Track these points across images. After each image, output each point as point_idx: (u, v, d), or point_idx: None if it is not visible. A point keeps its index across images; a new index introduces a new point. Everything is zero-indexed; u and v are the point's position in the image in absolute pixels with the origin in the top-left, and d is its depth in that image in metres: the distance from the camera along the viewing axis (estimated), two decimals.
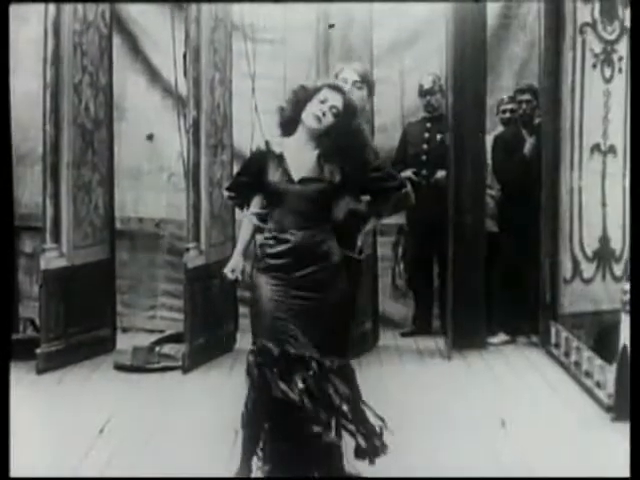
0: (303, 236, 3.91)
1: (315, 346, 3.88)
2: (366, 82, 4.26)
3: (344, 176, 3.92)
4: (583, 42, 6.13)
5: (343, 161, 3.92)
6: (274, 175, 3.93)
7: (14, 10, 4.73)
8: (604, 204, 6.06)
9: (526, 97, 6.78)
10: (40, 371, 5.94)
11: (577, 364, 5.79)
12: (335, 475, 3.99)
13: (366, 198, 4.06)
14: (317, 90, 3.92)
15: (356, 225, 4.06)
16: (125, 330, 6.90)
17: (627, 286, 4.55)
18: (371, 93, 4.33)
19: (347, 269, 3.98)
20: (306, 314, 3.90)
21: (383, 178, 4.04)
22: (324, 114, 3.88)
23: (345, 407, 3.92)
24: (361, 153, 3.98)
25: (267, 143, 4.01)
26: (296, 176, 3.91)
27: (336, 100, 3.90)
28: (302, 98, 3.92)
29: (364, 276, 5.51)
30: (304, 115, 3.91)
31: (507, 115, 6.89)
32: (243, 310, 6.33)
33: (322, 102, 3.89)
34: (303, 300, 3.90)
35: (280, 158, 3.94)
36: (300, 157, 3.93)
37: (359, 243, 4.11)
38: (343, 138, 3.90)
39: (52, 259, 6.14)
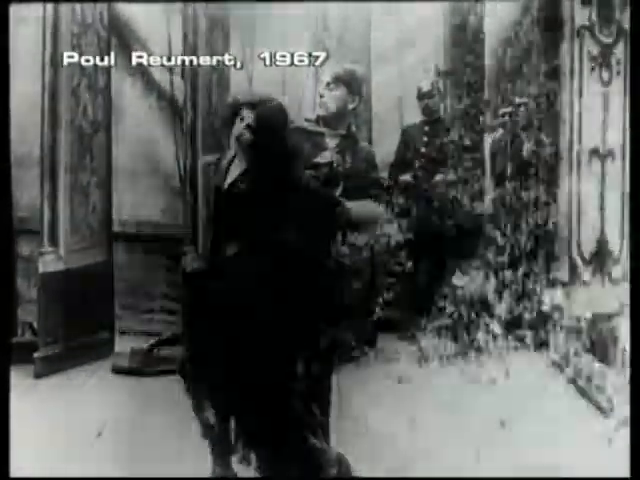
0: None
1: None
2: (344, 82, 4.21)
3: (264, 187, 3.97)
4: (580, 45, 6.12)
5: (264, 173, 3.98)
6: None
7: (12, 12, 4.73)
8: (602, 208, 6.06)
9: (524, 100, 6.78)
10: (38, 375, 5.91)
11: (576, 367, 5.79)
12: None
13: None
14: (241, 106, 3.98)
15: (323, 235, 4.09)
16: (124, 333, 6.87)
17: (627, 288, 4.56)
18: (355, 92, 4.26)
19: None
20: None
21: (312, 191, 4.08)
22: (241, 135, 3.96)
23: None
24: (283, 165, 4.01)
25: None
26: (227, 184, 4.02)
27: (250, 118, 3.96)
28: (232, 113, 4.01)
29: (359, 279, 5.51)
30: (232, 132, 3.98)
31: (505, 118, 6.89)
32: None
33: (241, 121, 3.97)
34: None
35: (227, 168, 4.15)
36: (236, 167, 4.13)
37: (334, 250, 4.12)
38: (262, 152, 3.96)
39: (50, 262, 6.13)
